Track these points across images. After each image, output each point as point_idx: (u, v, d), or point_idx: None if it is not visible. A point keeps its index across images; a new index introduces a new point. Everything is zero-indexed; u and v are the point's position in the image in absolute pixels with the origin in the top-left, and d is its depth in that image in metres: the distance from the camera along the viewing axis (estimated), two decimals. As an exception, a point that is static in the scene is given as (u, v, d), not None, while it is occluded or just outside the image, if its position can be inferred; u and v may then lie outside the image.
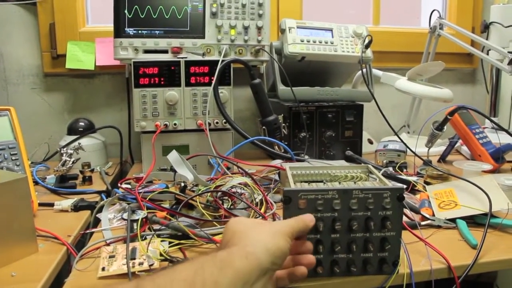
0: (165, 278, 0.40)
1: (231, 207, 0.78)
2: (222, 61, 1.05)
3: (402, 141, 1.07)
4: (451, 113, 1.12)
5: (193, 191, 0.82)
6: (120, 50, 1.09)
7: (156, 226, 0.70)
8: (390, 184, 0.61)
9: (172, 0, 1.11)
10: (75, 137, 1.17)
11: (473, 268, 0.62)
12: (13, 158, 0.84)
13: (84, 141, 1.16)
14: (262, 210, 0.76)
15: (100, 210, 0.81)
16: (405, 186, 0.89)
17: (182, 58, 1.06)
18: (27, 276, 0.60)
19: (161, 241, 0.65)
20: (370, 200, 0.56)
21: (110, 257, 0.62)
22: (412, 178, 0.95)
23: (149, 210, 0.74)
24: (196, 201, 0.75)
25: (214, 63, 1.06)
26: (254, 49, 1.16)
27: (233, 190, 0.82)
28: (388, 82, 1.21)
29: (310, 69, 1.27)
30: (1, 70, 1.32)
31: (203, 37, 1.12)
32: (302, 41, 1.18)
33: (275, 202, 0.79)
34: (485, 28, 1.36)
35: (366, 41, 1.19)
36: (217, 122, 1.08)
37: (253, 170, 0.97)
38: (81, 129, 1.19)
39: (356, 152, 1.19)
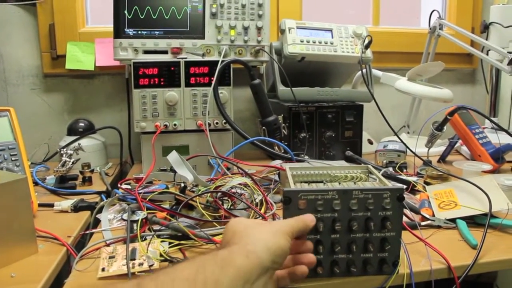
0: (167, 277, 0.40)
1: (231, 207, 0.78)
2: (222, 61, 1.05)
3: (402, 141, 1.07)
4: (451, 113, 1.12)
5: (193, 192, 0.82)
6: (120, 50, 1.09)
7: (156, 227, 0.70)
8: (390, 184, 0.61)
9: (172, 1, 1.11)
10: (75, 137, 1.17)
11: (473, 268, 0.62)
12: (13, 158, 0.84)
13: (84, 142, 1.16)
14: (262, 211, 0.76)
15: (100, 210, 0.81)
16: (405, 187, 0.89)
17: (182, 58, 1.06)
18: (26, 276, 0.59)
19: (161, 241, 0.65)
20: (370, 201, 0.56)
21: (110, 257, 0.62)
22: (412, 179, 0.95)
23: (149, 211, 0.74)
24: (196, 202, 0.74)
25: (214, 63, 1.05)
26: (254, 50, 1.16)
27: (233, 190, 0.82)
28: (388, 83, 1.21)
29: (310, 70, 1.27)
30: (1, 70, 1.32)
31: (203, 38, 1.12)
32: (302, 41, 1.19)
33: (275, 203, 0.79)
34: (485, 28, 1.36)
35: (366, 41, 1.19)
36: (217, 123, 1.08)
37: (253, 170, 0.97)
38: (81, 130, 1.20)
39: (356, 153, 1.19)
